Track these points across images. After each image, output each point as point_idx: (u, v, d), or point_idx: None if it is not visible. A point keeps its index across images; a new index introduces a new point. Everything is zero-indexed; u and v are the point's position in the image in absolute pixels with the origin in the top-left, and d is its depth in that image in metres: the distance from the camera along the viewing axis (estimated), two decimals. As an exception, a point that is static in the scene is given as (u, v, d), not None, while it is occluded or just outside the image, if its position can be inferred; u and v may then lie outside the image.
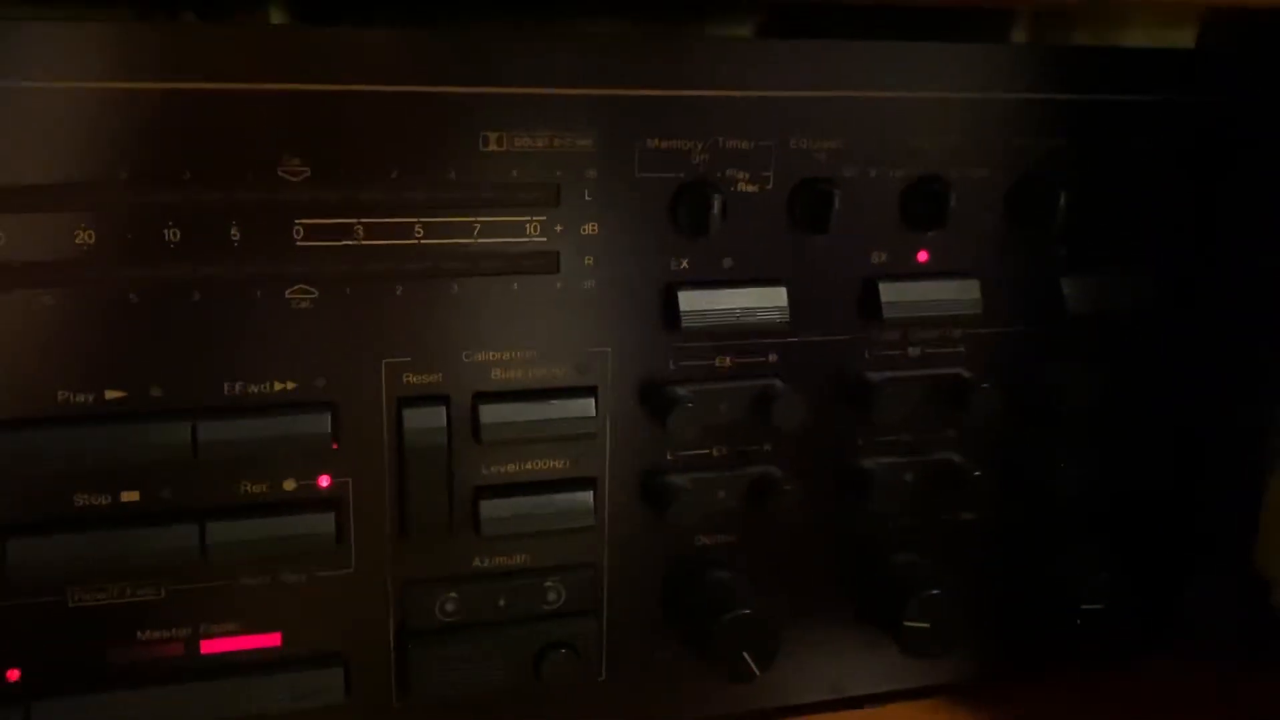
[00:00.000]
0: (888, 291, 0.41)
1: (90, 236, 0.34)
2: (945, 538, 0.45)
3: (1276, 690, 0.49)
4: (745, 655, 0.40)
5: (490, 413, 0.38)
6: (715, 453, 0.41)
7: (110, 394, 0.35)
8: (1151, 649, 0.49)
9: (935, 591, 0.42)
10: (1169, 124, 0.43)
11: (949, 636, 0.42)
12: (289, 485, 0.37)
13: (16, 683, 0.37)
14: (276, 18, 0.49)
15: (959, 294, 0.41)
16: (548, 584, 0.41)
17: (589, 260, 0.38)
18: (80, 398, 0.35)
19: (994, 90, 0.41)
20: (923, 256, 0.41)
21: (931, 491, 0.43)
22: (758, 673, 0.41)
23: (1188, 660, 0.50)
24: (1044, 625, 0.46)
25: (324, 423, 0.37)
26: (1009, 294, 0.43)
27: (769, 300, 0.39)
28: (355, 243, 0.36)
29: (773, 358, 0.41)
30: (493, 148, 0.36)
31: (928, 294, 0.41)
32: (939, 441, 0.43)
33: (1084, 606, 0.44)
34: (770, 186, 0.39)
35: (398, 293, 0.37)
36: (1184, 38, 0.59)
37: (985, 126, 0.41)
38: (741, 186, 0.39)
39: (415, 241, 0.36)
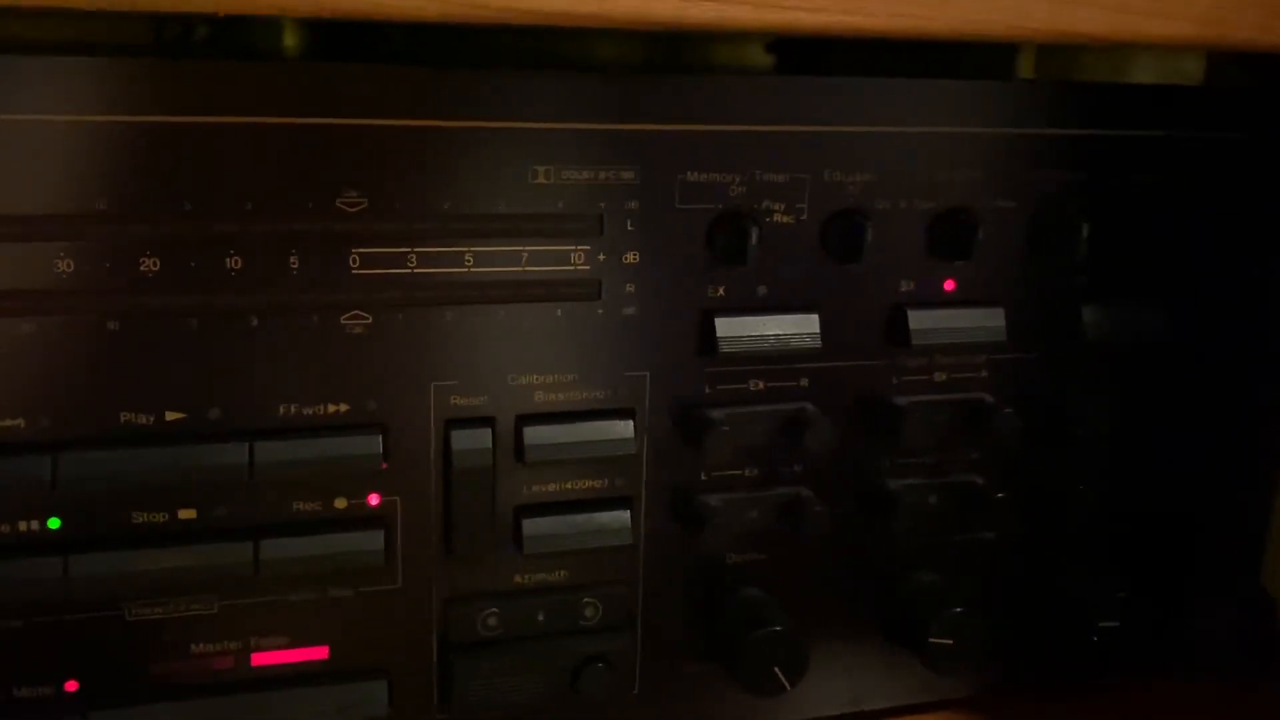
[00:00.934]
0: (916, 319, 0.42)
1: (155, 264, 0.35)
2: (967, 557, 0.46)
3: (1282, 705, 0.50)
4: (776, 670, 0.41)
5: (533, 434, 0.39)
6: (747, 473, 0.43)
7: (170, 415, 0.37)
8: (1162, 667, 0.50)
9: (960, 610, 0.43)
10: (1180, 158, 0.44)
11: (972, 653, 0.44)
12: (340, 504, 0.39)
13: (75, 694, 0.38)
14: (289, 39, 0.50)
15: (984, 322, 0.43)
16: (585, 600, 0.42)
17: (630, 288, 0.40)
18: (142, 419, 0.36)
19: (1017, 125, 0.42)
20: (949, 285, 0.43)
21: (954, 512, 0.45)
22: (788, 687, 0.42)
23: (1197, 678, 0.51)
24: (1060, 642, 0.47)
25: (375, 444, 0.38)
26: (1031, 321, 0.44)
27: (802, 327, 0.41)
28: (408, 271, 0.37)
29: (804, 382, 0.42)
30: (541, 180, 0.38)
31: (954, 322, 0.43)
32: (962, 464, 0.45)
33: (1101, 624, 0.45)
34: (804, 218, 0.40)
35: (447, 318, 0.38)
36: (1193, 68, 0.60)
37: (1009, 160, 0.42)
38: (777, 218, 0.40)
39: (465, 270, 0.38)
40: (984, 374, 0.44)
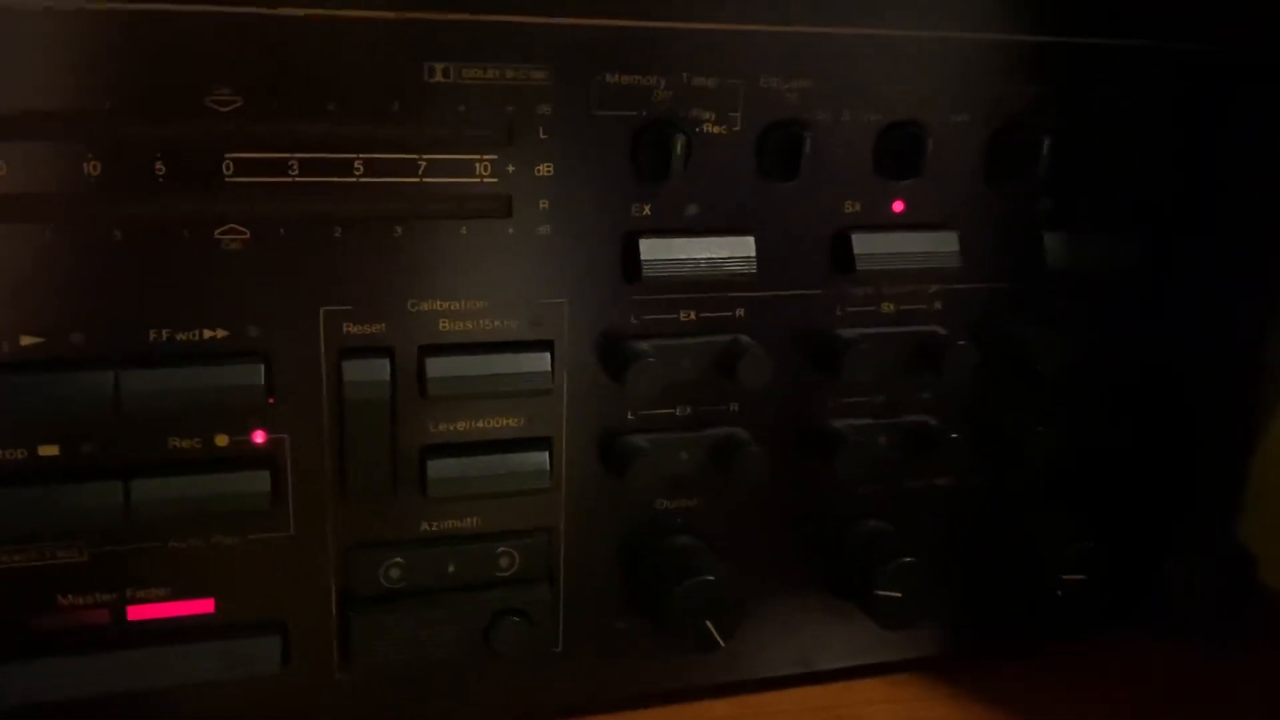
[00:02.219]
0: (860, 243, 0.39)
1: (2, 168, 0.31)
2: (918, 504, 0.43)
3: (1259, 667, 0.47)
4: (708, 624, 0.38)
5: (437, 366, 0.36)
6: (678, 412, 0.39)
7: (26, 340, 0.33)
8: (1132, 624, 0.47)
9: (908, 560, 0.40)
10: (1163, 71, 0.41)
11: (922, 607, 0.41)
12: (221, 441, 0.35)
13: (-72, 649, 0.34)
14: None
15: (935, 247, 0.39)
16: (500, 550, 0.38)
17: (543, 204, 0.36)
18: (-7, 344, 0.33)
19: (976, 31, 0.38)
20: (898, 207, 0.39)
21: (904, 455, 0.41)
22: (721, 643, 0.38)
23: (1169, 637, 0.48)
24: (1022, 597, 0.44)
25: (257, 374, 0.34)
26: (988, 248, 0.41)
27: (736, 250, 0.37)
28: (290, 180, 0.33)
29: (739, 312, 0.39)
30: (439, 79, 0.34)
31: (903, 246, 0.39)
32: (913, 403, 0.42)
33: (1064, 577, 0.42)
34: (738, 128, 0.37)
35: (336, 235, 0.34)
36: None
37: (966, 69, 0.39)
38: (707, 128, 0.36)
39: (355, 180, 0.34)
40: (936, 305, 0.41)
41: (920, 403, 0.41)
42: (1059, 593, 0.42)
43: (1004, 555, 0.44)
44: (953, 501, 0.43)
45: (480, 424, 0.37)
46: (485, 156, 0.35)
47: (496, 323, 0.37)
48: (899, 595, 0.40)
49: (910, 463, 0.42)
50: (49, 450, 0.34)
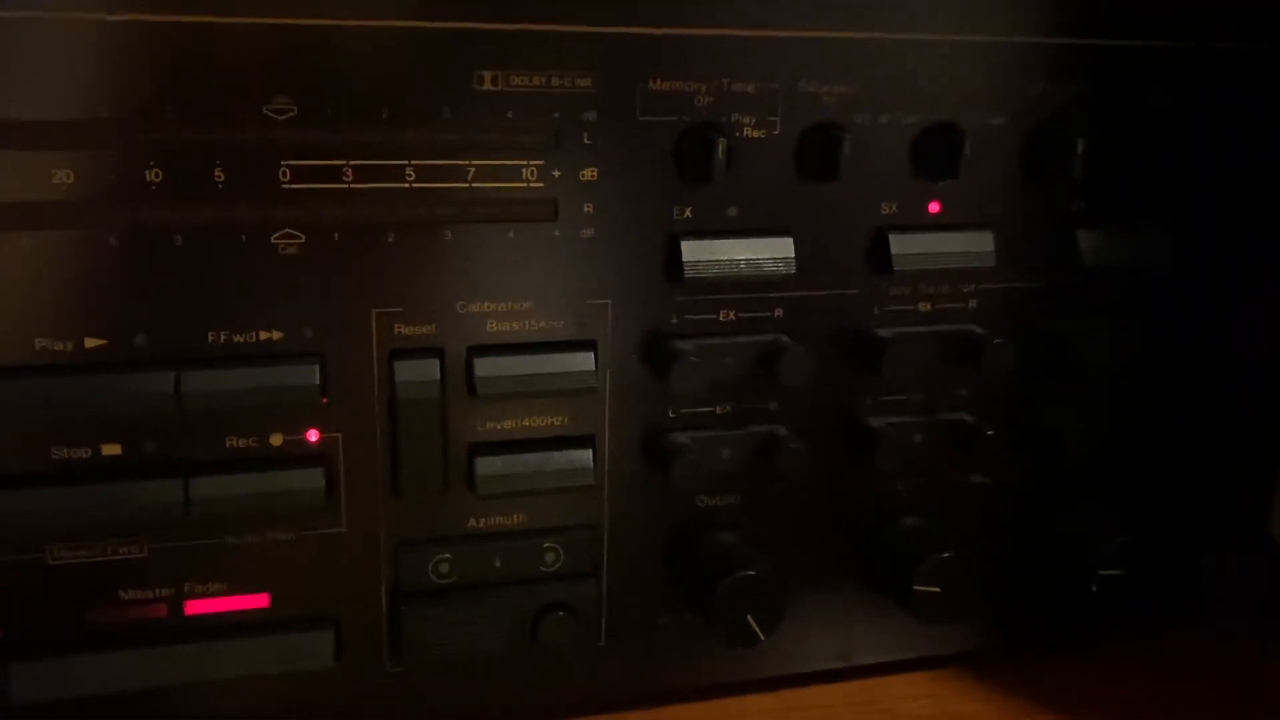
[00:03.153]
0: (898, 243, 0.39)
1: (68, 176, 0.32)
2: (956, 501, 0.43)
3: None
4: (749, 619, 0.39)
5: (485, 366, 0.37)
6: (719, 411, 0.40)
7: (90, 342, 0.34)
8: (1171, 620, 0.48)
9: (946, 555, 0.40)
10: (1198, 72, 0.41)
11: (960, 602, 0.41)
12: (276, 440, 0.36)
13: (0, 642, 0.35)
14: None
15: (972, 246, 0.40)
16: (546, 545, 0.39)
17: (588, 208, 0.37)
18: (59, 346, 0.34)
19: (1012, 33, 0.39)
20: (934, 207, 0.40)
21: (942, 452, 0.42)
22: (762, 637, 0.39)
23: (1207, 632, 0.48)
24: (1060, 593, 0.44)
25: (312, 374, 0.35)
26: (1024, 247, 0.41)
27: (775, 251, 0.38)
28: (344, 186, 0.34)
29: (778, 312, 0.39)
30: (488, 86, 0.35)
31: (939, 246, 0.40)
32: (950, 400, 0.42)
33: (1101, 572, 0.42)
34: (778, 132, 0.38)
35: (389, 239, 0.35)
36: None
37: (1002, 71, 0.39)
38: (747, 132, 0.37)
39: (407, 185, 0.35)
40: (972, 303, 0.41)
41: (957, 400, 0.42)
42: (1094, 587, 0.43)
43: (1042, 550, 0.44)
44: (990, 498, 0.44)
45: (526, 422, 0.38)
46: (532, 162, 0.36)
47: (542, 323, 0.37)
48: (937, 590, 0.41)
49: (948, 459, 0.42)
50: (112, 449, 0.35)
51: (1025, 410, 0.43)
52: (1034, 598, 0.45)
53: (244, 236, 0.34)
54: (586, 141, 0.36)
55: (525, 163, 0.36)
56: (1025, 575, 0.45)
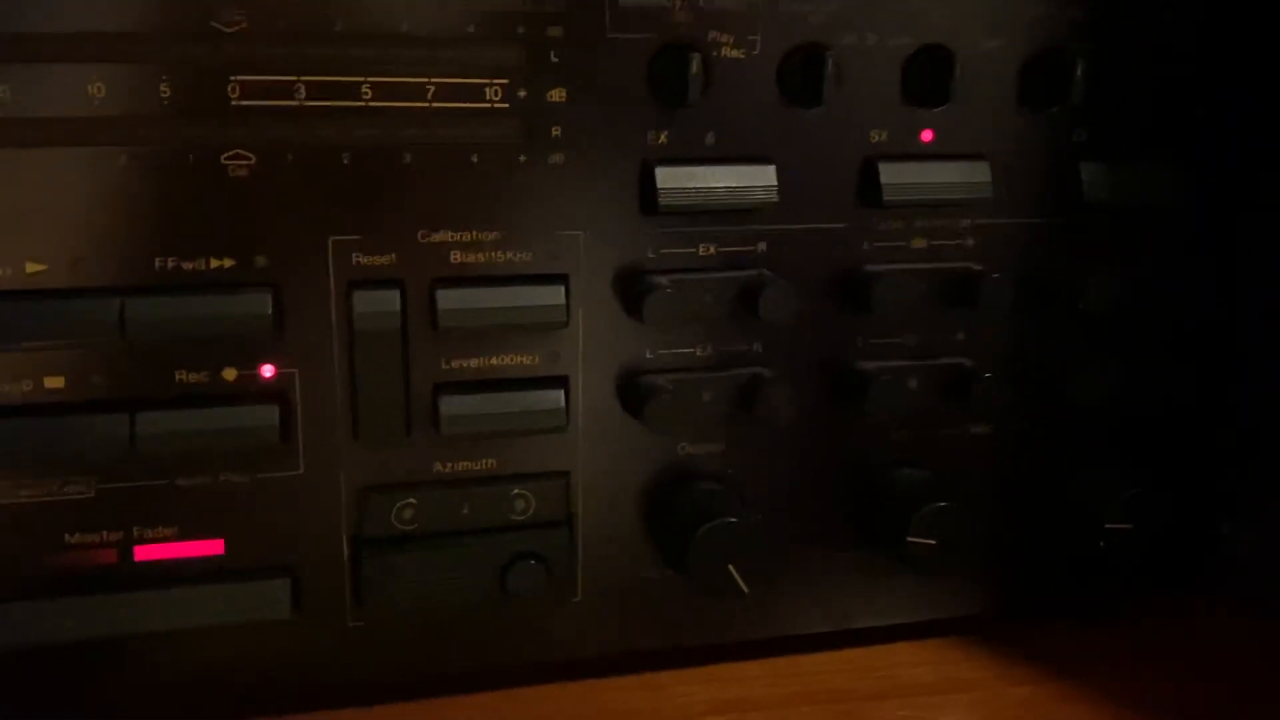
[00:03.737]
0: (888, 173, 0.37)
1: (5, 92, 0.31)
2: (953, 451, 0.41)
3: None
4: (730, 569, 0.37)
5: (449, 298, 0.35)
6: (699, 352, 0.38)
7: (31, 267, 0.32)
8: (1191, 588, 0.45)
9: (942, 504, 0.38)
10: (1206, -7, 0.39)
11: (957, 554, 0.39)
12: (229, 375, 0.34)
13: (-69, 587, 0.34)
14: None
15: (967, 177, 0.38)
16: (515, 492, 0.37)
17: (556, 131, 0.35)
18: (-2, 271, 0.32)
19: (1006, -50, 0.37)
20: (927, 136, 0.38)
21: (938, 399, 0.40)
22: (745, 589, 0.37)
23: (1229, 601, 0.46)
24: (1066, 551, 0.42)
25: (264, 303, 0.33)
26: (1023, 179, 0.39)
27: (756, 179, 0.36)
28: (297, 103, 0.33)
29: (761, 246, 0.37)
30: (448, -2, 0.33)
31: (933, 176, 0.38)
32: (946, 343, 0.40)
33: (1109, 526, 0.40)
34: (758, 52, 0.36)
35: (345, 161, 0.34)
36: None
37: (998, -9, 0.37)
38: (726, 51, 0.35)
39: (363, 104, 0.33)
40: (969, 240, 0.39)
41: (953, 343, 0.40)
42: (1101, 543, 0.40)
43: (1046, 505, 0.42)
44: (991, 448, 0.41)
45: (493, 361, 0.36)
46: (496, 81, 0.34)
47: (510, 255, 0.36)
48: (933, 542, 0.38)
49: (943, 406, 0.40)
50: (54, 382, 0.33)
51: (1026, 355, 0.41)
52: (1039, 557, 0.43)
53: (191, 157, 0.32)
54: (554, 60, 0.34)
55: (489, 81, 0.34)
56: (1029, 532, 0.42)
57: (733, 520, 0.36)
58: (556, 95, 0.35)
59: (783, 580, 0.40)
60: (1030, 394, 0.41)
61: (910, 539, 0.38)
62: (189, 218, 0.33)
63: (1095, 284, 0.39)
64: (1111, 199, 0.39)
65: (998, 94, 0.38)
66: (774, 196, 0.36)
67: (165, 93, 0.32)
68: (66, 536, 0.34)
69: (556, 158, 0.35)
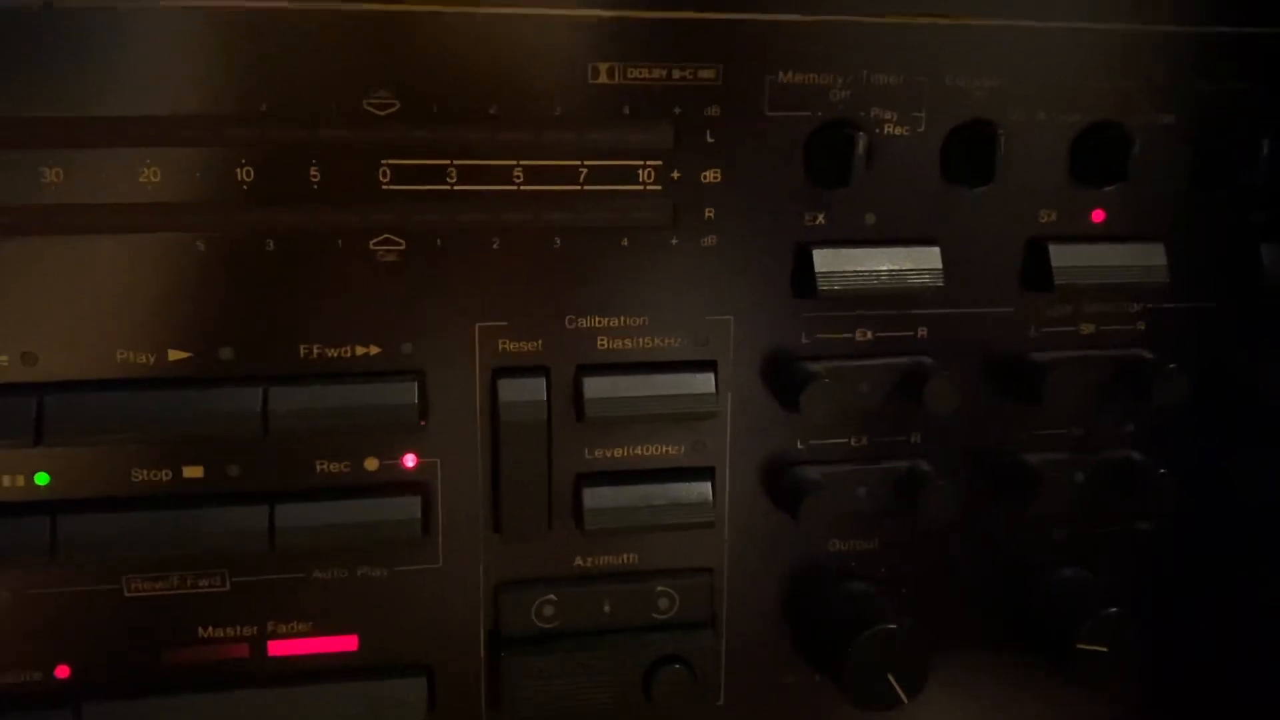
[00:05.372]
0: (1058, 255, 0.35)
1: (155, 175, 0.30)
2: (1120, 549, 0.38)
3: None
4: (890, 679, 0.34)
5: (595, 387, 0.33)
6: (853, 442, 0.36)
7: (174, 355, 0.32)
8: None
9: (1114, 610, 0.35)
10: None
11: (1129, 664, 0.36)
12: (370, 465, 0.33)
13: (66, 680, 0.33)
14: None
15: (1142, 260, 0.35)
16: (659, 589, 0.35)
17: (709, 213, 0.33)
18: (141, 358, 0.31)
19: (1184, 23, 0.35)
20: (1098, 216, 0.36)
21: (1105, 494, 0.37)
22: (905, 700, 0.35)
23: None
24: (1242, 658, 0.39)
25: (410, 392, 0.32)
26: (1198, 262, 0.36)
27: (920, 262, 0.34)
28: (448, 188, 0.32)
29: (922, 331, 0.35)
30: (603, 80, 0.32)
31: (1104, 259, 0.35)
32: (1115, 435, 0.37)
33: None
34: (922, 129, 0.34)
35: (494, 246, 0.32)
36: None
37: (1173, 65, 0.35)
38: (888, 129, 0.34)
39: (514, 188, 0.32)
40: (1141, 325, 0.37)
41: (1123, 435, 0.37)
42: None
43: (1219, 607, 0.39)
44: (1157, 546, 0.39)
45: (639, 451, 0.35)
46: (649, 163, 0.33)
47: (657, 341, 0.34)
48: (1104, 649, 0.36)
49: (1111, 502, 0.37)
50: (193, 471, 0.32)
51: (1200, 447, 0.38)
52: (1210, 664, 0.40)
53: (340, 242, 0.32)
54: (709, 140, 0.33)
55: (642, 163, 0.33)
56: (1201, 636, 0.39)
57: (892, 627, 0.34)
58: (711, 176, 0.33)
59: (933, 683, 0.38)
60: (1203, 490, 0.38)
61: (1079, 645, 0.36)
62: (335, 304, 0.32)
63: (1274, 373, 0.36)
64: (1295, 282, 0.36)
65: (1170, 172, 0.36)
66: (939, 280, 0.34)
67: (314, 177, 0.31)
68: (200, 630, 0.33)
69: (708, 240, 0.34)
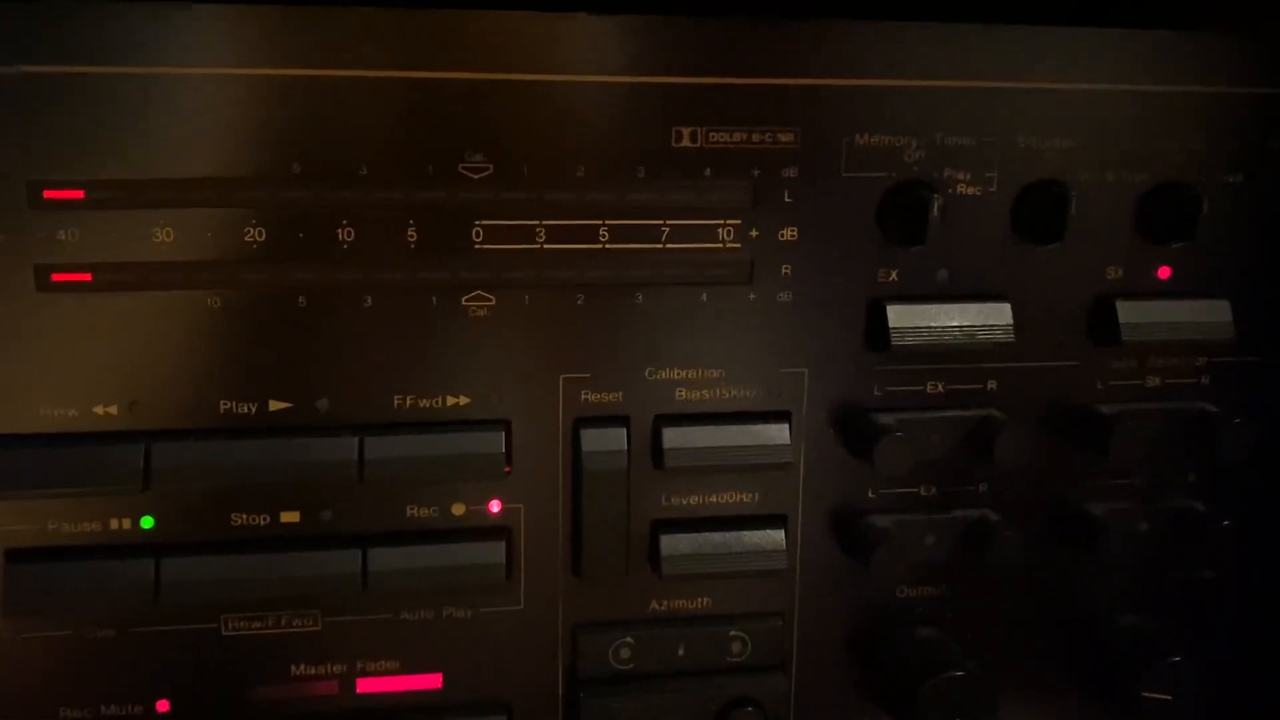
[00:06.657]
0: (1126, 311, 0.36)
1: (260, 234, 0.32)
2: (1184, 599, 0.39)
3: None
4: (959, 723, 0.35)
5: (674, 437, 0.34)
6: (923, 492, 0.37)
7: (274, 405, 0.33)
8: None
9: (1179, 659, 0.36)
10: None
11: (1193, 713, 0.36)
12: (458, 510, 0.34)
13: (166, 715, 0.34)
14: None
15: (1207, 316, 0.36)
16: (732, 633, 0.36)
17: (786, 270, 0.34)
18: (243, 408, 0.33)
19: (1250, 85, 0.36)
20: (1164, 273, 0.36)
21: (1169, 543, 0.38)
22: (973, 745, 0.35)
23: None
24: (1302, 707, 0.39)
25: (497, 441, 0.33)
26: (1264, 318, 0.37)
27: (991, 318, 0.35)
28: (537, 247, 0.33)
29: (992, 384, 0.36)
30: (685, 143, 0.33)
31: (1171, 315, 0.36)
32: (1180, 486, 0.38)
33: (1357, 686, 0.37)
34: (994, 189, 0.35)
35: (579, 302, 0.34)
36: None
37: (1240, 126, 0.36)
38: (961, 189, 0.35)
39: (600, 246, 0.33)
40: (1206, 379, 0.37)
41: (1188, 486, 0.38)
42: (1351, 704, 0.38)
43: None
44: (1222, 595, 0.39)
45: (715, 498, 0.36)
46: (729, 221, 0.34)
47: (734, 392, 0.35)
48: (1169, 698, 0.36)
49: (1175, 552, 0.38)
50: (290, 516, 0.34)
51: (1263, 499, 0.38)
52: (1273, 714, 0.40)
53: (434, 298, 0.33)
54: (787, 200, 0.34)
55: (722, 222, 0.34)
56: (1264, 687, 0.40)
57: (960, 674, 0.35)
58: (788, 234, 0.34)
59: (997, 727, 0.38)
60: (1264, 540, 0.38)
61: (1145, 694, 0.36)
62: (428, 357, 0.33)
63: (1340, 424, 0.37)
64: (1360, 337, 0.37)
65: (1238, 230, 0.36)
66: (1010, 336, 0.35)
67: (412, 237, 0.32)
68: (292, 668, 0.35)
69: (785, 295, 0.35)
